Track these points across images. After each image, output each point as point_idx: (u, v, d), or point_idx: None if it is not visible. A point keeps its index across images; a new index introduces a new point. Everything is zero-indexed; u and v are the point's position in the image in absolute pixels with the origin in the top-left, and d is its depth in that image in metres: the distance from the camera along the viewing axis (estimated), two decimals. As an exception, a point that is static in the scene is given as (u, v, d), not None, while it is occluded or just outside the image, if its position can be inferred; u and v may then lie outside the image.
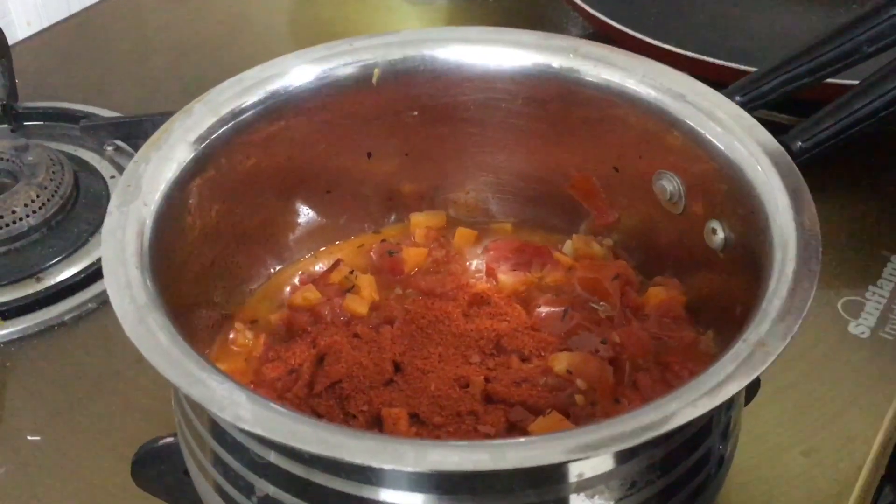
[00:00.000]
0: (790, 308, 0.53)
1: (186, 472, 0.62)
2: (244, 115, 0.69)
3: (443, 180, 0.83)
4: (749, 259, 0.63)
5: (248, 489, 0.54)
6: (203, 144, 0.66)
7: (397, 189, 0.83)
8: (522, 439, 0.47)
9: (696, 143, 0.68)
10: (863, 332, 0.90)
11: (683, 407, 0.47)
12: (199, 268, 0.71)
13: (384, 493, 0.50)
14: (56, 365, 0.88)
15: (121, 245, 0.56)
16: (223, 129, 0.68)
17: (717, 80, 0.74)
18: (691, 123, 0.68)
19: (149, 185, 0.61)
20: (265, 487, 0.53)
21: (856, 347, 0.89)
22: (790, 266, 0.55)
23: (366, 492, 0.50)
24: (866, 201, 1.02)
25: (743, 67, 0.97)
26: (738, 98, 0.70)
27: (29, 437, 0.79)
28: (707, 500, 0.58)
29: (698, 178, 0.70)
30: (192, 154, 0.65)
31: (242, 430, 0.47)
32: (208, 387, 0.49)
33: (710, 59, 1.00)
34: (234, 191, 0.72)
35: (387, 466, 0.45)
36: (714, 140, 0.67)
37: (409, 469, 0.45)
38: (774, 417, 0.81)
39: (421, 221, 0.84)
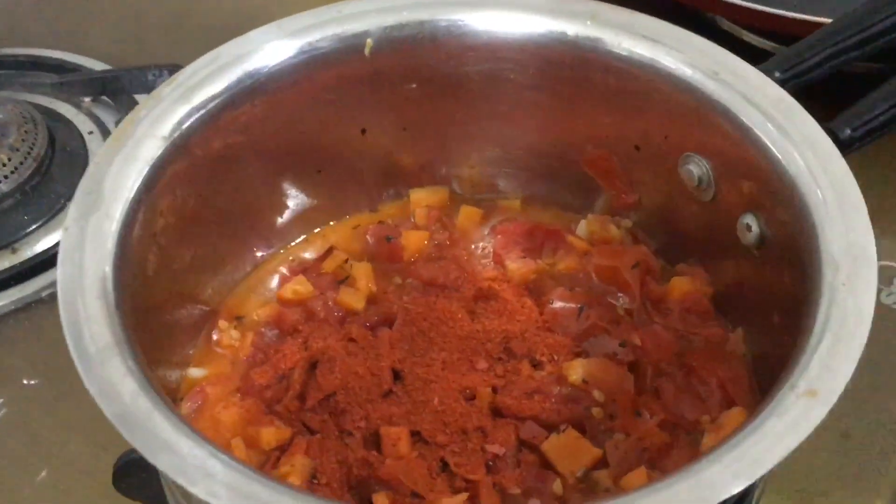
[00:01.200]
0: (841, 350, 0.46)
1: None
2: (219, 100, 0.61)
3: (445, 154, 0.76)
4: (790, 265, 0.56)
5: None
6: (175, 136, 0.59)
7: (395, 162, 0.76)
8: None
9: (729, 128, 0.61)
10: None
11: (725, 480, 0.41)
12: (178, 267, 0.64)
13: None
14: (34, 346, 0.82)
15: (79, 270, 0.50)
16: (196, 116, 0.60)
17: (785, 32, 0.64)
18: (725, 105, 0.61)
19: (112, 191, 0.54)
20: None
21: (889, 318, 0.82)
22: (843, 295, 0.48)
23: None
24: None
25: (815, 19, 0.83)
26: (777, 74, 0.61)
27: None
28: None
29: (731, 166, 0.62)
30: (162, 149, 0.58)
31: (217, 509, 0.41)
32: (178, 454, 0.43)
33: (775, 11, 0.84)
34: (212, 179, 0.65)
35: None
36: (751, 126, 0.59)
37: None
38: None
39: (421, 199, 0.77)
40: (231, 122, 0.62)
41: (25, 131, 0.93)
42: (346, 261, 0.72)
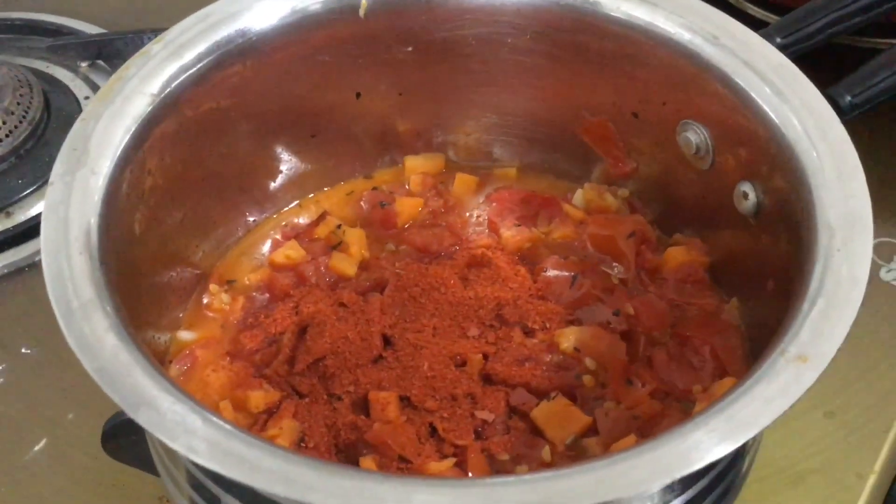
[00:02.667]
0: (834, 316, 0.45)
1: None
2: (209, 59, 0.60)
3: (441, 120, 0.74)
4: (787, 232, 0.56)
5: (214, 502, 0.49)
6: (163, 94, 0.58)
7: (391, 128, 0.75)
8: (525, 478, 0.40)
9: (728, 94, 0.59)
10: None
11: (710, 443, 0.40)
12: (167, 228, 0.63)
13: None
14: (29, 310, 0.82)
15: (63, 224, 0.49)
16: (186, 75, 0.59)
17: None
18: (725, 70, 0.59)
19: (98, 147, 0.53)
20: (231, 503, 0.47)
21: (887, 295, 0.81)
22: (838, 261, 0.47)
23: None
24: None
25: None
26: (779, 40, 0.60)
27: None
28: (726, 508, 0.53)
29: (729, 133, 0.61)
30: (151, 107, 0.57)
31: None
32: (158, 409, 0.42)
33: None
34: (202, 139, 0.64)
35: (363, 513, 0.38)
36: (750, 92, 0.58)
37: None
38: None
39: (417, 166, 0.76)
40: (222, 81, 0.62)
41: (21, 95, 0.92)
42: (339, 226, 0.71)
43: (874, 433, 0.72)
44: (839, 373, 0.75)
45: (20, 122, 0.91)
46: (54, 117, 0.94)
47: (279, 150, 0.71)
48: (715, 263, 0.68)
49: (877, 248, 0.86)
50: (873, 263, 0.84)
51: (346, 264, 0.69)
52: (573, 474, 0.41)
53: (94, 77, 0.99)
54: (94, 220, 0.50)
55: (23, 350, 0.78)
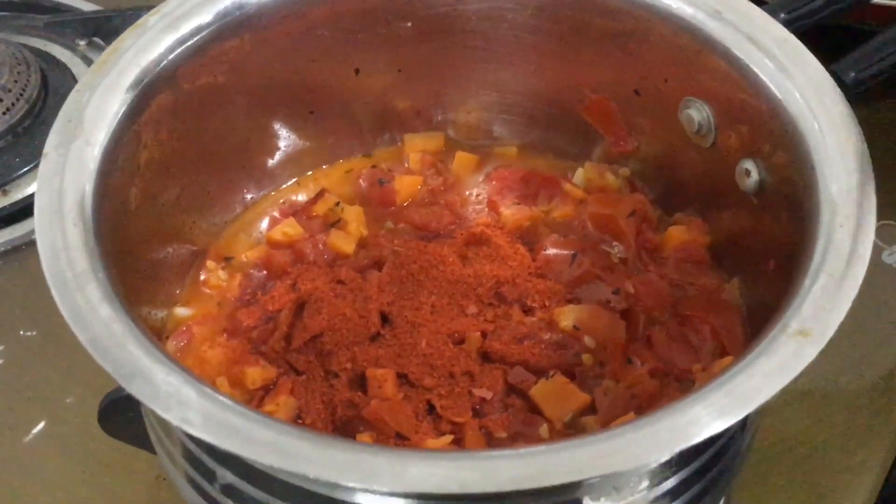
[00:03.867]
0: (836, 291, 0.45)
1: (155, 419, 0.57)
2: (207, 31, 0.59)
3: (441, 98, 0.74)
4: (789, 210, 0.55)
5: (209, 475, 0.48)
6: (160, 66, 0.57)
7: (391, 106, 0.74)
8: (522, 451, 0.40)
9: (731, 70, 0.59)
10: (898, 262, 0.83)
11: (709, 418, 0.40)
12: (163, 204, 0.63)
13: (358, 496, 0.43)
14: (25, 289, 0.81)
15: (58, 195, 0.49)
16: (183, 47, 0.58)
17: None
18: (727, 45, 0.59)
19: (93, 119, 0.53)
20: (226, 476, 0.47)
21: (890, 277, 0.81)
22: (840, 236, 0.47)
23: (337, 493, 0.43)
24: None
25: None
26: (783, 15, 0.59)
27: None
28: (724, 489, 0.52)
29: (732, 109, 0.60)
30: (147, 79, 0.56)
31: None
32: (152, 381, 0.42)
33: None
34: (199, 114, 0.63)
35: (358, 486, 0.38)
36: (753, 67, 0.57)
37: (385, 490, 0.38)
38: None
39: (417, 144, 0.75)
40: (219, 55, 0.61)
41: (18, 72, 0.91)
42: (338, 204, 0.71)
43: (875, 416, 0.72)
44: (841, 355, 0.75)
45: (17, 99, 0.90)
46: (52, 95, 0.93)
47: (277, 126, 0.70)
48: (716, 243, 0.68)
49: (879, 231, 0.84)
50: (876, 246, 0.84)
51: (344, 242, 0.68)
52: (570, 448, 0.40)
53: (92, 55, 0.98)
54: (88, 190, 0.50)
55: (21, 332, 0.78)
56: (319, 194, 0.71)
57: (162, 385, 0.41)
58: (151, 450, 0.60)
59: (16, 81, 0.91)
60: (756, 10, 0.59)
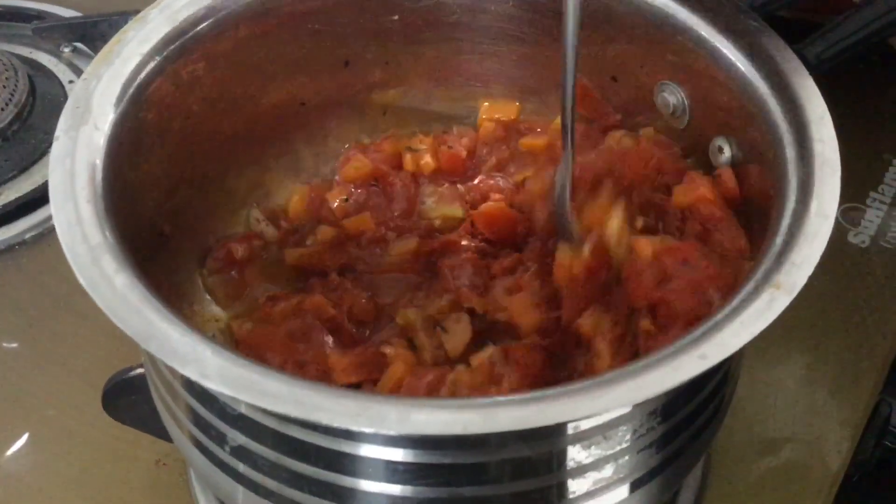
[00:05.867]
0: (805, 247, 0.48)
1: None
2: (205, 23, 0.62)
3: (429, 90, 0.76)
4: (760, 182, 0.58)
5: (220, 439, 0.50)
6: (160, 56, 0.60)
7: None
8: (517, 398, 0.42)
9: (700, 52, 0.62)
10: (863, 241, 0.87)
11: (690, 362, 0.43)
12: (173, 195, 0.65)
13: (364, 448, 0.46)
14: (16, 287, 0.83)
15: (70, 175, 0.51)
16: (182, 39, 0.61)
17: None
18: (697, 30, 0.62)
19: (100, 105, 0.55)
20: (238, 438, 0.49)
21: (855, 257, 0.85)
22: (809, 202, 0.50)
23: (345, 447, 0.46)
24: (865, 98, 0.97)
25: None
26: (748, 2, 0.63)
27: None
28: (707, 441, 0.55)
29: (703, 91, 0.64)
30: (147, 68, 0.59)
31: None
32: (169, 339, 0.44)
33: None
34: (203, 104, 0.65)
35: (367, 430, 0.41)
36: (720, 47, 0.61)
37: (392, 433, 0.41)
38: (768, 333, 0.78)
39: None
40: (216, 45, 0.63)
41: (6, 78, 0.94)
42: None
43: (844, 395, 0.75)
44: (810, 334, 0.79)
45: (6, 104, 0.93)
46: (39, 101, 0.96)
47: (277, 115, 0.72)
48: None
49: (845, 213, 0.90)
50: (841, 227, 0.89)
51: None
52: (563, 394, 0.43)
53: (78, 62, 1.01)
54: (99, 166, 0.52)
55: (14, 329, 0.80)
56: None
57: (179, 344, 0.44)
58: (154, 432, 0.62)
59: (4, 87, 0.93)
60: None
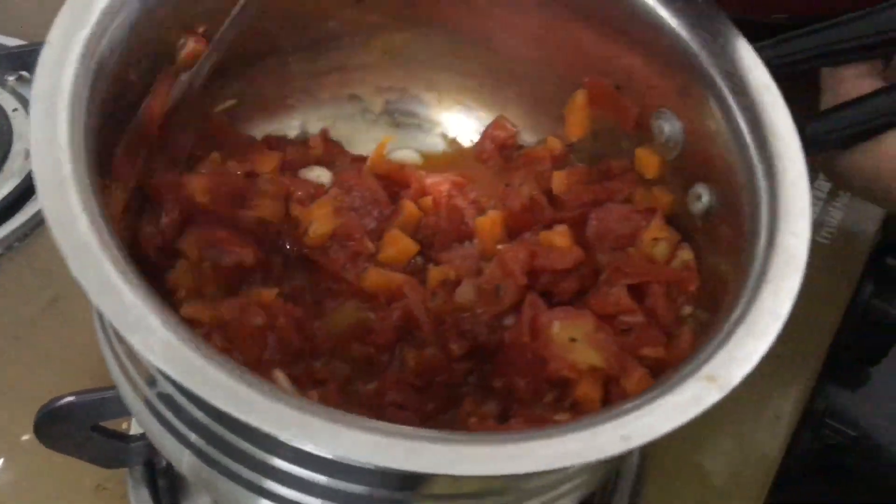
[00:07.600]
0: (749, 344, 0.49)
1: (93, 428, 0.61)
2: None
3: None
4: (729, 235, 0.59)
5: (150, 381, 0.52)
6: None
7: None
8: (446, 436, 0.44)
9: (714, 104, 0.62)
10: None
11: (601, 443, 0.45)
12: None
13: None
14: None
15: (56, 84, 0.49)
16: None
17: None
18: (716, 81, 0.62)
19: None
20: (166, 387, 0.51)
21: (821, 255, 0.89)
22: (763, 297, 0.51)
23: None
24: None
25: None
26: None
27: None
28: None
29: (701, 134, 0.64)
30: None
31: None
32: (122, 300, 0.44)
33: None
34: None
35: (292, 443, 0.42)
36: (736, 108, 0.61)
37: (313, 450, 0.43)
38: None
39: None
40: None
41: (-54, 109, 0.88)
42: None
43: (779, 388, 0.80)
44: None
45: (-56, 137, 0.87)
46: (-15, 129, 0.91)
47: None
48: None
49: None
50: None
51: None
52: (484, 441, 0.45)
53: (22, 90, 0.96)
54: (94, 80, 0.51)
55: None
56: None
57: (131, 308, 0.44)
58: (89, 459, 0.64)
59: (-57, 118, 0.87)
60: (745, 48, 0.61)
